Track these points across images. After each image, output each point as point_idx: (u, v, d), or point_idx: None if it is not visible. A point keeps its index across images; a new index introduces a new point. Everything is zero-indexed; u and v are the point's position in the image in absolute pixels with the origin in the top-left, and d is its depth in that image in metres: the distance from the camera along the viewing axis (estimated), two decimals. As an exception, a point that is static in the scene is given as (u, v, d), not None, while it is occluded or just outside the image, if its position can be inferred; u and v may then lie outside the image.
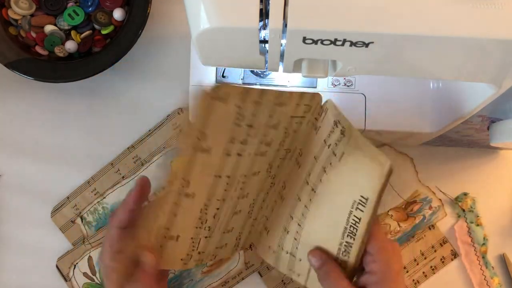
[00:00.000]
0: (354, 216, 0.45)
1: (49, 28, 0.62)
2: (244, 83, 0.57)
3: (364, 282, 0.45)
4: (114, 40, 0.62)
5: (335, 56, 0.38)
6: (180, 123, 0.65)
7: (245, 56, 0.40)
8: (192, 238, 0.47)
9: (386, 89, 0.56)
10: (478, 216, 0.64)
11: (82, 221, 0.65)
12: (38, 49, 0.63)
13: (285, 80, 0.57)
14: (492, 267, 0.64)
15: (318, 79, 0.57)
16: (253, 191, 0.48)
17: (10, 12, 0.62)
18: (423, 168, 0.65)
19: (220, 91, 0.39)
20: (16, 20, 0.62)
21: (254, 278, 0.64)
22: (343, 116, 0.45)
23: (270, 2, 0.33)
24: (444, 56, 0.37)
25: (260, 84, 0.57)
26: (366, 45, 0.35)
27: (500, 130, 0.49)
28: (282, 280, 0.63)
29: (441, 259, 0.64)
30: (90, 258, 0.64)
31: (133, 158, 0.65)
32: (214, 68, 0.57)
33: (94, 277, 0.64)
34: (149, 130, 0.65)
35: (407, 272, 0.64)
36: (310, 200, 0.49)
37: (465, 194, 0.65)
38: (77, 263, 0.64)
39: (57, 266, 0.64)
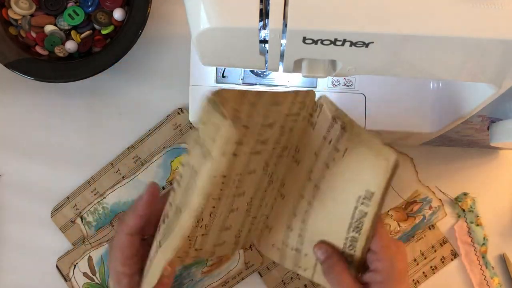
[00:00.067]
0: (360, 211, 0.45)
1: (49, 28, 0.62)
2: (244, 83, 0.57)
3: (368, 280, 0.46)
4: (114, 40, 0.62)
5: (335, 56, 0.38)
6: (180, 123, 0.65)
7: (245, 56, 0.40)
8: (189, 236, 0.47)
9: (386, 89, 0.56)
10: (478, 216, 0.64)
11: (82, 221, 0.65)
12: (38, 49, 0.63)
13: (285, 80, 0.57)
14: (492, 267, 0.64)
15: (318, 79, 0.57)
16: (250, 189, 0.48)
17: (10, 12, 0.62)
18: (423, 168, 0.65)
19: (219, 97, 0.39)
20: (16, 20, 0.62)
21: (254, 278, 0.64)
22: (342, 111, 0.45)
23: (270, 2, 0.33)
24: (444, 56, 0.37)
25: (260, 84, 0.57)
26: (366, 45, 0.35)
27: (500, 130, 0.49)
28: (282, 280, 0.63)
29: (441, 259, 0.64)
30: (90, 258, 0.64)
31: (133, 158, 0.65)
32: (214, 68, 0.57)
33: (94, 277, 0.64)
34: (149, 130, 0.65)
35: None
36: (314, 196, 0.49)
37: (465, 194, 0.65)
38: (77, 263, 0.64)
39: (57, 266, 0.64)
